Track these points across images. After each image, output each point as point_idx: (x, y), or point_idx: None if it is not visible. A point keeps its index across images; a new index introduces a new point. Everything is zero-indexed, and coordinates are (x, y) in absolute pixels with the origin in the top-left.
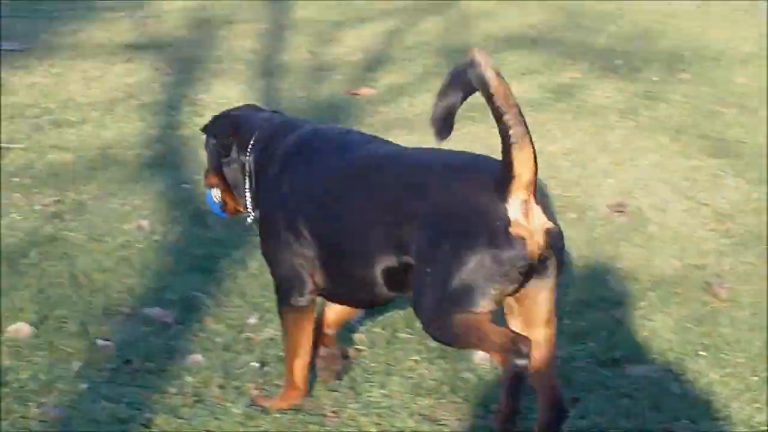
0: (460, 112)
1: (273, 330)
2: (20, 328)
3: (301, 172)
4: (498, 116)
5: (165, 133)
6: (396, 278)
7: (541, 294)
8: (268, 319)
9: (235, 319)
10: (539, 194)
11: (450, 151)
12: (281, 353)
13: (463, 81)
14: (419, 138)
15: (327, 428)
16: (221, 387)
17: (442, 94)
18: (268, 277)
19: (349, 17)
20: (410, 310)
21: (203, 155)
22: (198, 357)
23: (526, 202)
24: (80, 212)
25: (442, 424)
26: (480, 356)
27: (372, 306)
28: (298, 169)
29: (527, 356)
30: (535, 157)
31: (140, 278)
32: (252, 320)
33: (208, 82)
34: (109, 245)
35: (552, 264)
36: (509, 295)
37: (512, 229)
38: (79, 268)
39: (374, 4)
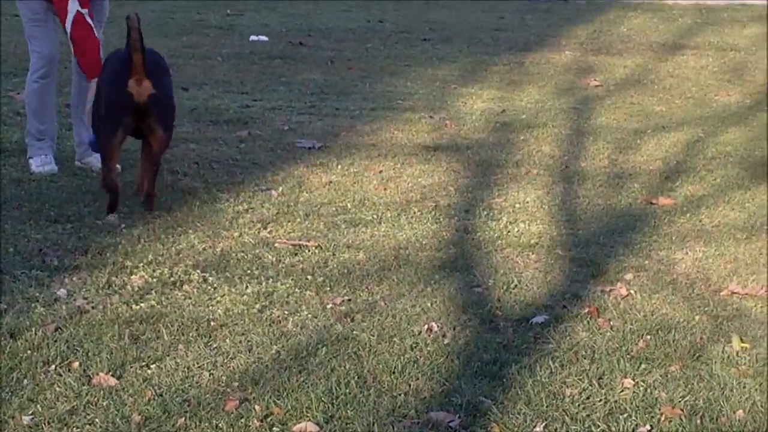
0: None
1: None
2: (306, 428)
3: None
4: (130, 40)
5: (458, 236)
6: None
7: (152, 126)
8: (554, 428)
9: (520, 426)
10: (158, 77)
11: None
12: None
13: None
14: (716, 250)
15: None
16: None
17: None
18: (558, 386)
19: (650, 125)
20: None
21: (496, 259)
22: None
23: (139, 79)
24: (371, 312)
25: None
26: None
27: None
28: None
29: (114, 185)
30: (141, 60)
31: (428, 381)
32: (538, 428)
33: (506, 186)
34: (398, 347)
35: (154, 113)
36: (131, 129)
37: (128, 90)
38: (367, 369)
39: (675, 114)
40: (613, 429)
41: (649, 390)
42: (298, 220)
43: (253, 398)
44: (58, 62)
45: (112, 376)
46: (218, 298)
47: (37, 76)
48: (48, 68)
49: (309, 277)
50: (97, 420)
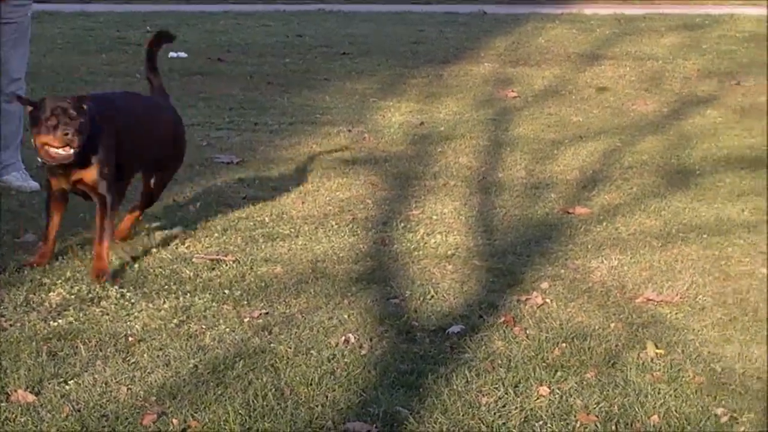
0: None
1: None
2: None
3: None
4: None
5: (376, 249)
6: None
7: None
8: None
9: None
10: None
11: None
12: None
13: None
14: (631, 257)
15: None
16: None
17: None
18: (474, 395)
19: (567, 136)
20: None
21: (413, 270)
22: None
23: None
24: (288, 325)
25: None
26: None
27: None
28: None
29: None
30: None
31: (344, 392)
32: None
33: (423, 198)
34: (315, 358)
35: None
36: None
37: None
38: (284, 381)
39: (592, 124)
40: None
41: (564, 397)
42: (216, 234)
43: (171, 412)
44: None
45: (30, 392)
46: (136, 314)
47: None
48: None
49: (226, 291)
50: None
